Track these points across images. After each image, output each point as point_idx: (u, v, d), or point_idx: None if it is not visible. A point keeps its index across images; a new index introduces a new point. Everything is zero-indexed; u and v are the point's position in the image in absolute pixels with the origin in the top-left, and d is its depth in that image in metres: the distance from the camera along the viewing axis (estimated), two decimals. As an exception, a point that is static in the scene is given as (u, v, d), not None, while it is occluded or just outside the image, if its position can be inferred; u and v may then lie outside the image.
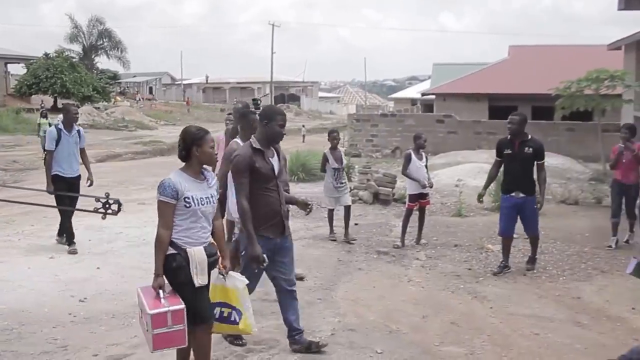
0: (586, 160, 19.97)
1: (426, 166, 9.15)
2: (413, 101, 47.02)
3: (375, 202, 12.47)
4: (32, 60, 45.67)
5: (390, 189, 12.64)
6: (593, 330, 5.82)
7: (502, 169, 7.85)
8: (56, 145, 8.29)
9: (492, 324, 5.93)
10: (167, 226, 4.13)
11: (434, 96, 31.81)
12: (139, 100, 59.14)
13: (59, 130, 8.37)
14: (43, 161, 10.12)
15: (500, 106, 28.19)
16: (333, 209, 9.59)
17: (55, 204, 8.29)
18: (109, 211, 6.23)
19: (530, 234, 7.81)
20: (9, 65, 49.16)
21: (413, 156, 8.99)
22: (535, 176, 7.61)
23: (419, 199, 9.10)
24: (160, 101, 63.65)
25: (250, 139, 5.00)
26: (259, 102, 7.91)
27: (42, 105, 30.28)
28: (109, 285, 6.93)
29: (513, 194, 7.48)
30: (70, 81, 43.19)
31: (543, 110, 25.74)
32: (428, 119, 26.22)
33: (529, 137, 7.51)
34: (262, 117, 5.00)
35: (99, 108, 44.69)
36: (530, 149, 7.40)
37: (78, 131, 8.59)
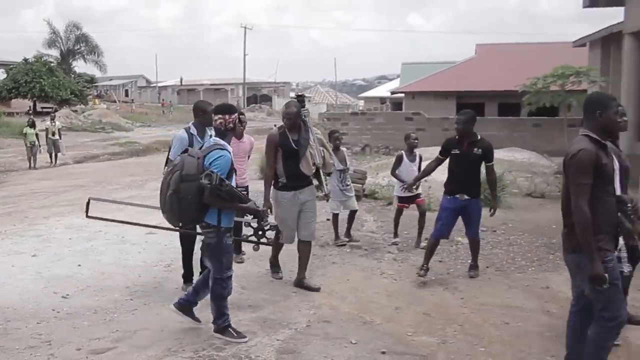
0: (552, 155, 20.22)
1: (419, 167, 8.85)
2: (382, 100, 47.30)
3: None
4: (11, 66, 46.72)
5: (361, 185, 12.66)
6: (562, 319, 5.83)
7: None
8: None
9: (464, 314, 5.97)
10: None
11: (403, 94, 32.06)
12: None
13: (190, 136, 6.37)
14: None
15: (468, 103, 28.36)
16: (338, 214, 8.91)
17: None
18: (263, 240, 5.51)
19: (471, 236, 7.32)
20: (-12, 71, 49.19)
21: (405, 158, 8.85)
22: (486, 179, 7.27)
23: (413, 200, 8.85)
24: (137, 103, 64.23)
25: (585, 132, 4.17)
26: (304, 96, 7.14)
27: (30, 110, 29.91)
28: (90, 282, 6.94)
29: (457, 195, 6.97)
30: (49, 85, 44.10)
31: (510, 107, 26.06)
32: (397, 116, 26.35)
33: (479, 137, 7.01)
34: (592, 106, 4.20)
35: (76, 111, 45.09)
36: (480, 150, 6.92)
37: (210, 137, 6.13)
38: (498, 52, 31.81)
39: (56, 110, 40.70)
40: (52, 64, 49.15)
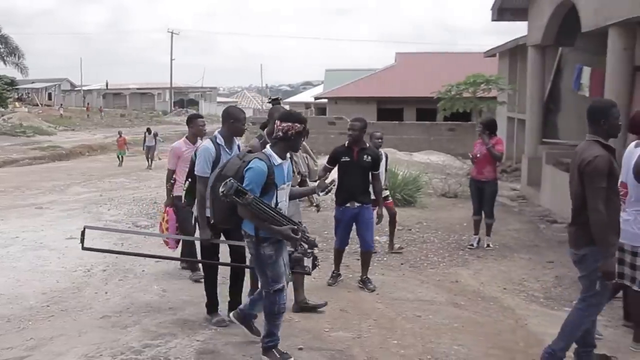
0: (465, 157, 20.85)
1: (386, 167, 8.36)
2: (307, 105, 47.41)
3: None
4: None
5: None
6: (469, 310, 6.06)
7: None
8: (212, 171, 5.11)
9: (378, 309, 6.06)
10: None
11: (326, 100, 32.29)
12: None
13: (218, 147, 5.33)
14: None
15: (387, 109, 29.02)
16: None
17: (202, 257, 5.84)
18: (299, 269, 4.93)
19: (366, 248, 6.90)
20: None
21: None
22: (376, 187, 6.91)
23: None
24: (63, 107, 62.37)
25: (594, 138, 4.29)
26: (279, 98, 6.60)
27: None
28: (4, 289, 6.58)
29: (348, 204, 6.69)
30: (-36, 88, 41.60)
31: (427, 112, 26.66)
32: (321, 121, 26.55)
33: (367, 145, 6.90)
34: (596, 114, 4.30)
35: (-6, 114, 43.14)
36: (369, 157, 6.67)
37: (238, 147, 5.51)
38: (416, 60, 32.59)
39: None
40: (-34, 65, 47.06)
